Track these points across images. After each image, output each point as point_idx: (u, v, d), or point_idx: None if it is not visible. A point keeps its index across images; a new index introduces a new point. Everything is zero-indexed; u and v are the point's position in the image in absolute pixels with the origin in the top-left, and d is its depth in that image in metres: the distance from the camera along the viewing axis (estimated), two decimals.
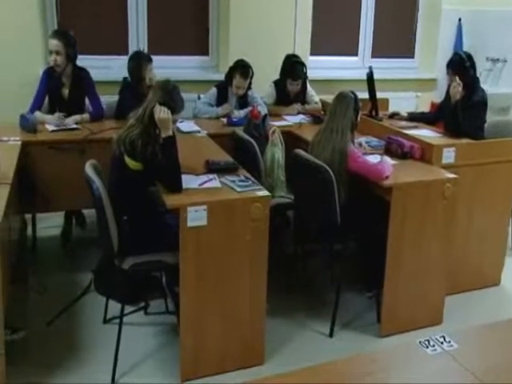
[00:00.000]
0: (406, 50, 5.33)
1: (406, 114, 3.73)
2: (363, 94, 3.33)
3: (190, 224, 2.25)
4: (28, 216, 3.41)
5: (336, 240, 2.68)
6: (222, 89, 3.92)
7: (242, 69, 3.82)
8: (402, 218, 2.63)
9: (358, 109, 2.79)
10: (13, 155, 2.75)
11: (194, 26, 4.65)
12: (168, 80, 2.49)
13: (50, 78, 3.43)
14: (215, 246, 2.31)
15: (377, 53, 5.15)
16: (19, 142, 3.01)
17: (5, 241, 2.19)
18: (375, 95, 3.62)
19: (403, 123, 3.56)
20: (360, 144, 3.09)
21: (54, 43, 3.34)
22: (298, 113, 4.03)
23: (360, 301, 3.02)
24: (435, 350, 1.40)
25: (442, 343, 1.42)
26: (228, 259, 2.35)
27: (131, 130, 2.35)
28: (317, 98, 4.16)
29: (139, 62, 3.54)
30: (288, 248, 3.08)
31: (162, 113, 2.33)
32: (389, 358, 1.43)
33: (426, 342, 1.42)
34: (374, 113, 3.64)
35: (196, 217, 2.26)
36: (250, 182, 2.53)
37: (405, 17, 5.28)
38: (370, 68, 3.62)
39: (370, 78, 3.58)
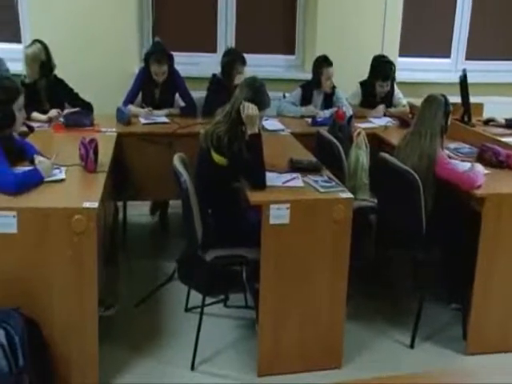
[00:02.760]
0: (504, 51, 5.00)
1: (503, 121, 3.51)
2: (454, 99, 3.19)
3: (272, 221, 2.28)
4: (119, 203, 3.61)
5: (420, 248, 2.59)
6: (307, 89, 3.93)
7: (326, 59, 3.82)
8: (495, 232, 2.48)
9: (448, 113, 2.68)
10: (109, 145, 2.94)
11: (280, 24, 4.69)
12: (255, 77, 2.52)
13: (145, 77, 3.64)
14: (296, 245, 2.33)
15: (472, 54, 4.88)
16: (115, 133, 3.21)
17: (100, 224, 2.35)
18: (468, 100, 3.45)
19: (499, 130, 3.36)
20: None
21: (164, 69, 3.54)
22: (385, 115, 3.94)
23: (444, 313, 2.89)
24: None
25: None
26: (309, 259, 2.35)
27: (218, 126, 2.42)
28: (404, 101, 4.04)
29: (233, 59, 3.65)
30: (369, 253, 3.02)
31: (249, 110, 2.37)
32: (478, 379, 1.35)
33: None
34: (466, 118, 3.47)
35: (278, 215, 2.29)
36: (334, 183, 2.51)
37: (506, 14, 4.93)
38: (464, 71, 3.45)
39: (464, 82, 3.41)
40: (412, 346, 2.64)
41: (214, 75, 3.77)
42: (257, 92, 2.43)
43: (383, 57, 4.08)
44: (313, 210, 2.33)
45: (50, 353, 2.15)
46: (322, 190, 2.43)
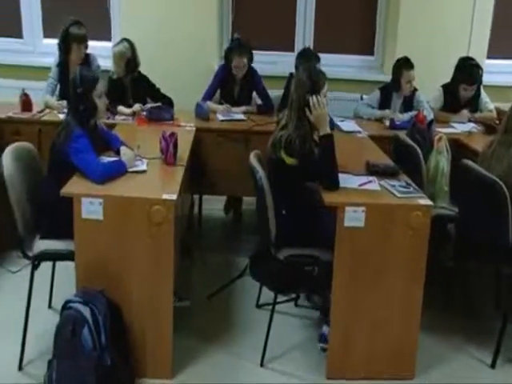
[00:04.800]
0: None
1: None
2: None
3: (346, 224, 2.25)
4: (195, 196, 3.70)
5: (505, 263, 2.45)
6: (386, 92, 3.83)
7: (408, 62, 3.70)
8: None
9: None
10: (188, 140, 3.02)
11: (360, 24, 4.61)
12: (301, 67, 2.47)
13: (225, 74, 3.72)
14: (371, 250, 2.28)
15: None
16: (194, 128, 3.30)
17: (177, 216, 2.43)
18: None
19: None
20: None
21: (244, 62, 3.62)
22: (469, 120, 3.76)
23: None
24: None
25: None
26: (383, 265, 2.30)
27: (285, 131, 2.38)
28: (491, 106, 3.82)
29: (308, 60, 3.63)
30: (447, 263, 2.90)
31: (317, 109, 2.33)
32: None
33: None
34: None
35: (354, 217, 2.25)
36: (412, 189, 2.44)
37: None
38: None
39: None
40: (493, 366, 2.49)
41: (291, 74, 3.77)
42: (310, 76, 2.36)
43: (470, 59, 3.87)
44: (389, 215, 2.27)
45: (128, 336, 2.24)
46: (399, 194, 2.36)
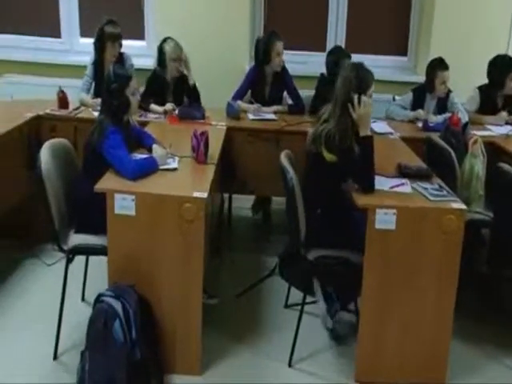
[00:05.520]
0: None
1: None
2: None
3: (377, 226, 2.22)
4: (225, 195, 3.71)
5: None
6: (420, 93, 3.76)
7: (442, 62, 3.62)
8: None
9: None
10: (219, 138, 3.04)
11: (392, 24, 4.54)
12: (350, 63, 2.45)
13: (256, 74, 3.72)
14: (402, 253, 2.25)
15: None
16: (224, 127, 3.32)
17: (208, 214, 2.45)
18: None
19: None
20: None
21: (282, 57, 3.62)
22: (506, 123, 3.66)
23: None
24: None
25: None
26: (415, 269, 2.26)
27: (326, 126, 2.37)
28: None
29: (338, 57, 3.60)
30: (481, 269, 2.83)
31: (361, 109, 2.31)
32: None
33: None
34: None
35: (385, 220, 2.23)
36: (445, 192, 2.39)
37: None
38: None
39: None
40: None
41: (322, 74, 3.75)
42: (358, 75, 2.35)
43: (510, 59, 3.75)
44: (421, 219, 2.24)
45: (158, 331, 2.27)
46: (431, 198, 2.32)
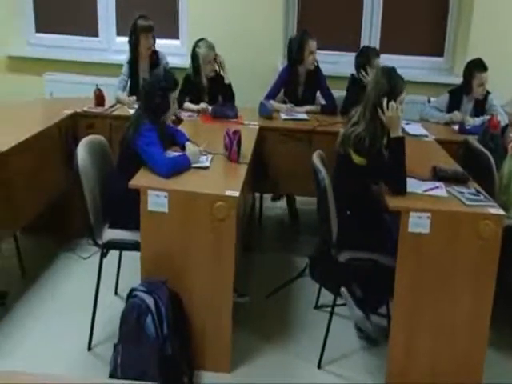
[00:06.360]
0: None
1: None
2: None
3: (410, 229, 2.19)
4: (256, 195, 3.73)
5: None
6: (456, 95, 3.67)
7: (481, 64, 3.53)
8: None
9: None
10: (251, 138, 3.04)
11: (428, 24, 4.45)
12: (383, 67, 2.42)
13: (289, 74, 3.72)
14: (436, 258, 2.21)
15: None
16: (257, 127, 3.32)
17: (239, 213, 2.46)
18: None
19: None
20: None
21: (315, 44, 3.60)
22: None
23: None
24: None
25: None
26: (449, 274, 2.22)
27: (356, 128, 2.36)
28: None
29: (368, 57, 3.56)
30: None
31: (391, 111, 2.29)
32: None
33: None
34: None
35: (418, 223, 2.19)
36: (482, 197, 2.33)
37: None
38: None
39: None
40: None
41: (353, 75, 3.71)
42: (389, 80, 2.32)
43: None
44: (456, 223, 2.19)
45: (188, 328, 2.30)
46: (467, 202, 2.27)
